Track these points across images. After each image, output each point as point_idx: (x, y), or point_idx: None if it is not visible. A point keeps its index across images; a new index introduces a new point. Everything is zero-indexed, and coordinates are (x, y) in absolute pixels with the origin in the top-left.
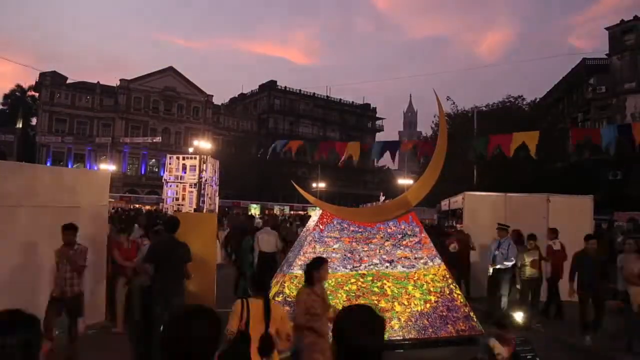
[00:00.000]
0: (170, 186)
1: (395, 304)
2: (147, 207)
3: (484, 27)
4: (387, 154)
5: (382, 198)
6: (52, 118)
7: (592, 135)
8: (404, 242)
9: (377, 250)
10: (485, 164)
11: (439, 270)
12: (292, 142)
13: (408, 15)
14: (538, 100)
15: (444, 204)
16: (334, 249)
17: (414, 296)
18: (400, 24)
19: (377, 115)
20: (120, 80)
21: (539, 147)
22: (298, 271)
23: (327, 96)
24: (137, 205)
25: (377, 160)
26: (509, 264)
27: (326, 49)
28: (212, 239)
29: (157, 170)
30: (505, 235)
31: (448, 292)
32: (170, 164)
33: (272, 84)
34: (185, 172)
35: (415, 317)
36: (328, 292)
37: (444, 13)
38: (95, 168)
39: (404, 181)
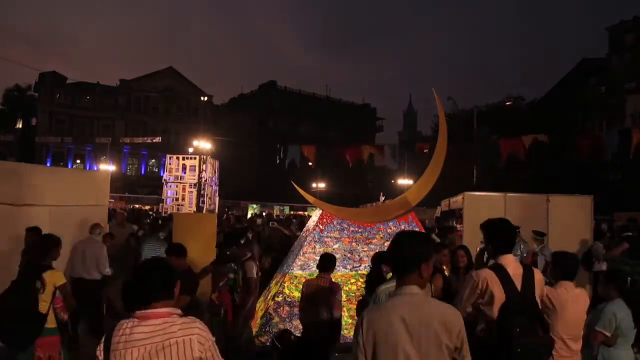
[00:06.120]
0: (170, 186)
1: None
2: (147, 207)
3: None
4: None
5: (382, 198)
6: (52, 118)
7: (596, 143)
8: None
9: (377, 251)
10: (484, 164)
11: None
12: (305, 148)
13: None
14: (538, 100)
15: (444, 204)
16: (334, 249)
17: None
18: None
19: (377, 116)
20: (120, 80)
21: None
22: (298, 271)
23: (327, 96)
24: (137, 206)
25: (395, 162)
26: None
27: None
28: (212, 239)
29: (157, 170)
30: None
31: None
32: (170, 164)
33: (272, 84)
34: (185, 172)
35: None
36: None
37: None
38: (95, 168)
39: (404, 181)
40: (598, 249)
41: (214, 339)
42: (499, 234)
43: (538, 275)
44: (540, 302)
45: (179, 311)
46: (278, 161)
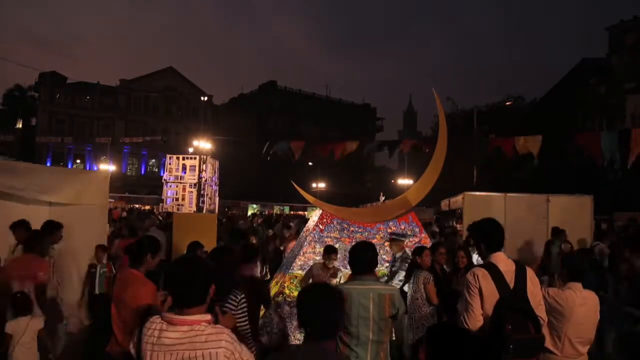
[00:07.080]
0: (170, 186)
1: None
2: (147, 207)
3: None
4: (387, 153)
5: (382, 198)
6: (52, 118)
7: (594, 144)
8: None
9: (377, 250)
10: (485, 163)
11: None
12: (294, 144)
13: None
14: (538, 100)
15: (444, 204)
16: None
17: None
18: None
19: (377, 116)
20: (120, 80)
21: (542, 150)
22: (298, 271)
23: (327, 96)
24: (136, 206)
25: (372, 153)
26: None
27: None
28: (212, 239)
29: (157, 170)
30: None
31: None
32: (170, 164)
33: (272, 83)
34: (185, 172)
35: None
36: None
37: None
38: (95, 168)
39: (404, 181)
40: (602, 250)
41: (242, 350)
42: (491, 234)
43: (531, 273)
44: (548, 304)
45: (209, 317)
46: (268, 158)
